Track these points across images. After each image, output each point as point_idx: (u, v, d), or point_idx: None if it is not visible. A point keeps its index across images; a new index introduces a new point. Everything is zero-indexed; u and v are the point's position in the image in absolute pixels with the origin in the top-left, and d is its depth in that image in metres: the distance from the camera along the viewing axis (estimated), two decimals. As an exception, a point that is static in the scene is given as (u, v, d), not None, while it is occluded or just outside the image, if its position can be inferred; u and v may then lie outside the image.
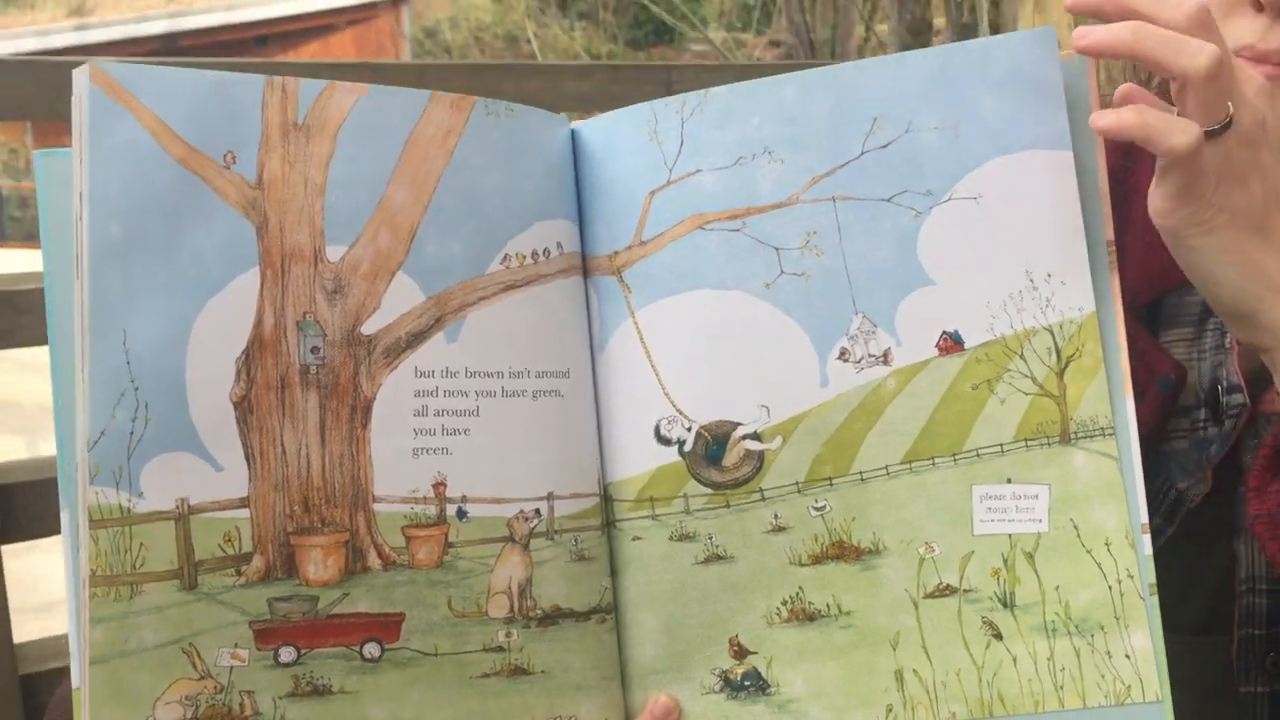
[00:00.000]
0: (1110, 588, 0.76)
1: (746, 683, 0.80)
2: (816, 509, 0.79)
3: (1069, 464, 0.77)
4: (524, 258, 0.79)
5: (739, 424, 0.80)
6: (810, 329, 0.79)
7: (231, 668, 0.70)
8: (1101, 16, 0.73)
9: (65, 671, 1.69)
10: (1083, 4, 0.73)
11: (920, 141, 0.78)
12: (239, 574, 0.71)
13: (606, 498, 0.82)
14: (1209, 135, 0.71)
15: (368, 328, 0.75)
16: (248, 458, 0.71)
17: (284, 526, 0.72)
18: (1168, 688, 0.75)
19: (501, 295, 0.78)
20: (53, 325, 0.75)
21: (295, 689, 0.71)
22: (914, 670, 0.78)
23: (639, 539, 0.81)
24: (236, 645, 0.70)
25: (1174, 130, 0.70)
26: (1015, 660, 0.77)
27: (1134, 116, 0.70)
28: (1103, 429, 0.77)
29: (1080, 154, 0.77)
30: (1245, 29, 0.82)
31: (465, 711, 0.75)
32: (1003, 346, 0.78)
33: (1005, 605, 0.77)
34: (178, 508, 0.70)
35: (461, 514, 0.76)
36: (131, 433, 0.69)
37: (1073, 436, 0.77)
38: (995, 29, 7.26)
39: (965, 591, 0.78)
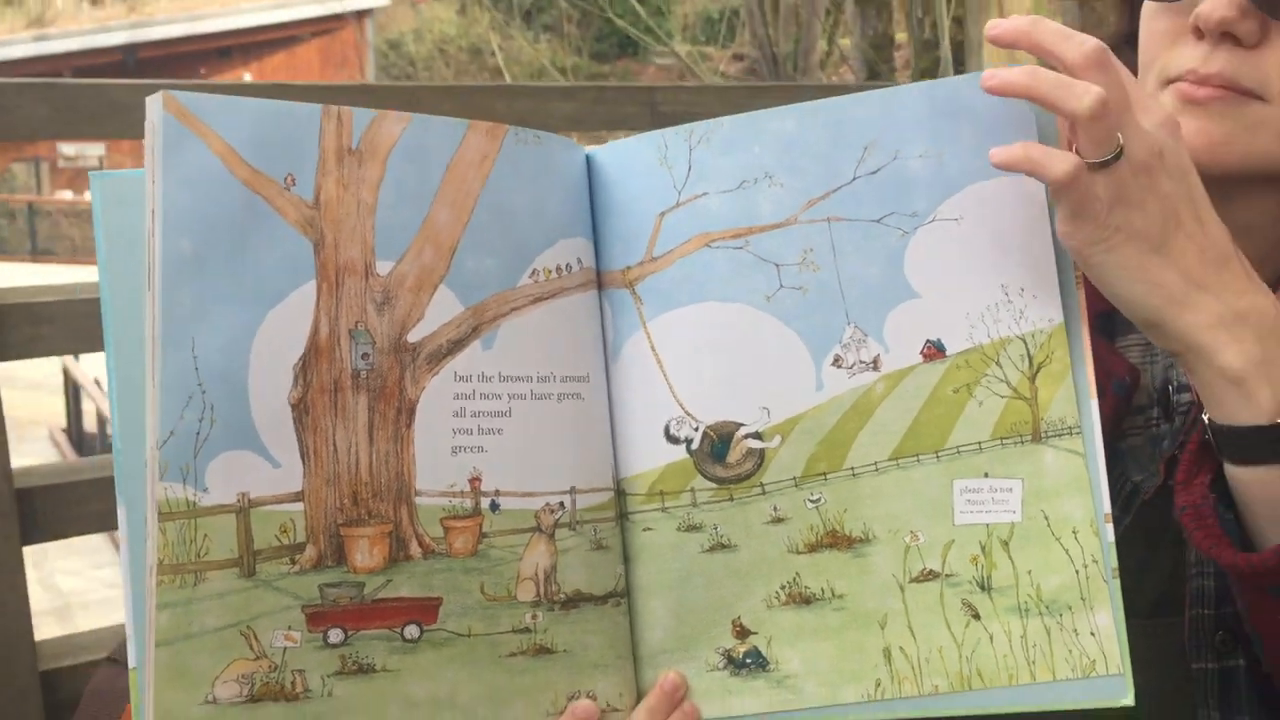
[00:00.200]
0: (1077, 572, 0.79)
1: (748, 660, 0.83)
2: (812, 501, 0.83)
3: (1040, 460, 0.80)
4: (549, 272, 0.83)
5: (741, 424, 0.84)
6: (807, 338, 0.83)
7: (285, 649, 0.73)
8: (1018, 49, 0.78)
9: (84, 668, 1.72)
10: (1002, 39, 0.78)
11: (907, 168, 0.82)
12: (293, 562, 0.73)
13: (620, 492, 0.85)
14: (1099, 165, 0.74)
15: (413, 336, 0.78)
16: (303, 455, 0.74)
17: (334, 518, 0.75)
18: (1129, 661, 0.78)
19: (530, 306, 0.82)
20: (110, 336, 0.76)
21: (342, 668, 0.74)
22: (900, 648, 0.81)
23: (650, 529, 0.84)
24: (290, 628, 0.73)
25: (1053, 161, 0.74)
26: (992, 638, 0.80)
27: (1020, 150, 0.75)
28: (1070, 428, 0.80)
29: None
30: (1188, 55, 0.86)
31: (495, 688, 0.78)
32: (981, 354, 0.81)
33: (983, 588, 0.80)
34: (239, 501, 0.72)
35: (494, 506, 0.79)
36: (198, 433, 0.71)
37: (1043, 435, 0.80)
38: (956, 45, 7.33)
39: (947, 576, 0.81)
